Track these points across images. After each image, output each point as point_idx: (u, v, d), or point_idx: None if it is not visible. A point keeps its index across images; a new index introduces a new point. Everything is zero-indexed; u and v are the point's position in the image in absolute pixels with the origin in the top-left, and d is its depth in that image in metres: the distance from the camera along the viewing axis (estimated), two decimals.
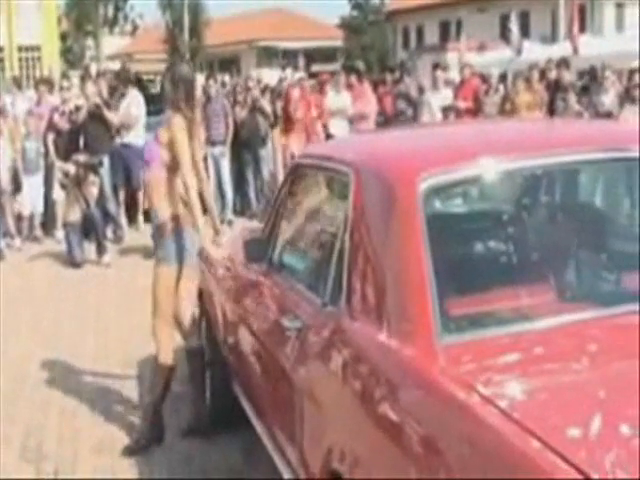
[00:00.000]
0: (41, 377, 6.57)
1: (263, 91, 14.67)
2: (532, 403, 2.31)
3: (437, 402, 2.42)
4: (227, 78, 16.07)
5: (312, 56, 45.16)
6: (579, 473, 1.95)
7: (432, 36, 45.25)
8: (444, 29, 44.66)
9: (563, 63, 13.69)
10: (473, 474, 2.16)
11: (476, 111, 13.39)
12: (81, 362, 6.83)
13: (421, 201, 2.91)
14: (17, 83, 14.95)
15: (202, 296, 5.61)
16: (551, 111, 13.01)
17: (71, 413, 5.85)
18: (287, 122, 11.90)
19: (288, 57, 45.24)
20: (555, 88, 13.37)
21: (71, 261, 10.59)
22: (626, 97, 12.58)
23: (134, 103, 12.23)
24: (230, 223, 12.30)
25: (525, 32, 33.26)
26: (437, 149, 3.36)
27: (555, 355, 2.59)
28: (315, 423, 3.13)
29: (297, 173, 4.29)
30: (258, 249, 4.28)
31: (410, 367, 2.61)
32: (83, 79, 13.28)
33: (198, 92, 12.98)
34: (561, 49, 20.80)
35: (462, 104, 13.46)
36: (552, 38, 32.50)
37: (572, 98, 12.93)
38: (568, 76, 13.40)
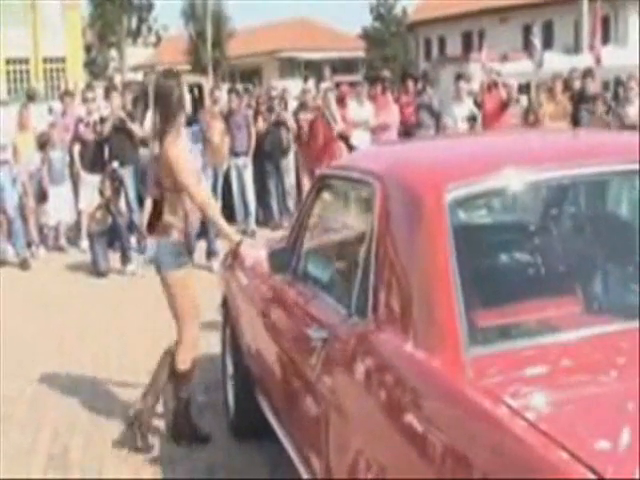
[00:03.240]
0: (66, 385, 6.60)
1: (286, 102, 14.69)
2: (560, 415, 2.30)
3: (464, 414, 2.41)
4: (250, 87, 16.12)
5: (334, 67, 45.28)
6: None
7: (454, 47, 45.18)
8: (466, 40, 44.60)
9: (588, 73, 13.62)
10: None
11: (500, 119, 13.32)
12: (107, 373, 6.87)
13: (448, 212, 2.91)
14: (30, 94, 15.03)
15: (226, 304, 5.63)
16: (575, 122, 12.96)
17: (97, 419, 5.89)
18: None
19: (310, 68, 45.35)
20: (579, 99, 13.31)
21: (96, 270, 10.67)
22: None
23: None
24: (253, 234, 12.34)
25: (548, 42, 33.22)
26: (463, 160, 3.36)
27: (582, 367, 2.58)
28: (341, 434, 3.13)
29: (322, 184, 4.30)
30: (282, 260, 4.29)
31: (437, 378, 2.62)
32: (108, 90, 13.36)
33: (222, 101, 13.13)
34: (584, 60, 20.70)
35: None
36: (575, 48, 32.32)
37: (600, 108, 12.85)
38: (593, 86, 13.32)
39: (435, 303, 2.77)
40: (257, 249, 5.47)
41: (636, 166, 3.20)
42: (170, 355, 5.41)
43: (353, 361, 3.12)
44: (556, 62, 20.83)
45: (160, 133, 5.22)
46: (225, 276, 5.74)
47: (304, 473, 3.89)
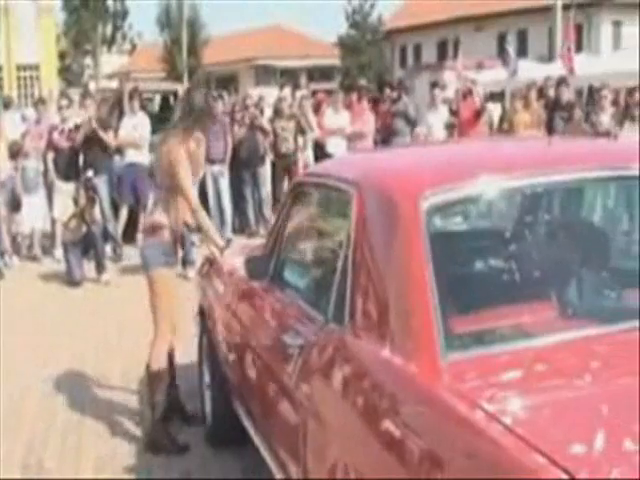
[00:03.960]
0: (43, 395, 6.56)
1: (262, 110, 14.68)
2: (536, 419, 2.32)
3: (441, 418, 2.43)
4: (225, 94, 16.04)
5: (310, 74, 45.28)
6: None
7: (430, 55, 45.36)
8: (442, 48, 44.78)
9: (563, 81, 13.70)
10: None
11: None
12: (82, 380, 6.85)
13: (424, 219, 2.93)
14: (6, 102, 14.95)
15: (202, 313, 5.62)
16: (549, 130, 13.04)
17: (74, 429, 5.85)
18: None
19: (286, 75, 45.33)
20: (554, 106, 13.39)
21: (70, 280, 10.59)
22: (625, 115, 12.60)
23: (141, 124, 12.27)
24: (229, 242, 12.23)
25: (522, 51, 33.40)
26: (439, 167, 3.37)
27: (558, 371, 2.60)
28: (319, 440, 3.13)
29: (298, 191, 4.31)
30: (259, 266, 4.30)
31: (414, 384, 2.63)
32: (84, 97, 13.34)
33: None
34: (557, 68, 20.82)
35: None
36: (549, 57, 32.54)
37: (577, 115, 12.92)
38: (567, 94, 13.40)
39: (412, 309, 2.78)
40: (234, 256, 5.46)
41: (611, 173, 3.24)
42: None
43: (330, 368, 3.13)
44: (530, 70, 20.93)
45: (169, 133, 5.35)
46: (202, 284, 5.73)
47: (273, 466, 3.92)
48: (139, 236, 12.23)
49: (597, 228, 3.77)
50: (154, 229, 5.27)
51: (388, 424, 2.59)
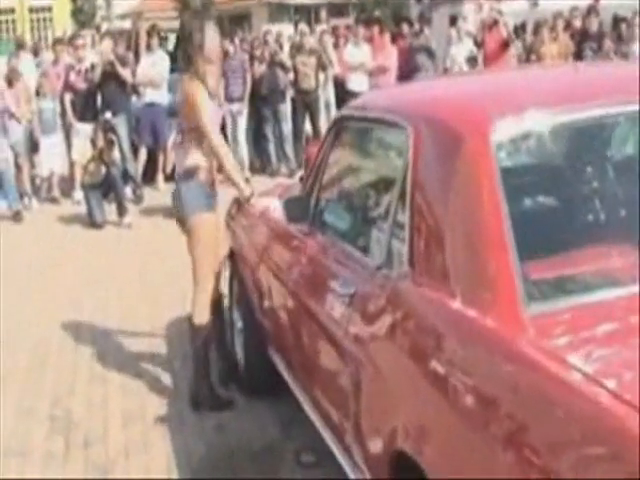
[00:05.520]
0: (66, 342, 6.37)
1: (281, 45, 14.28)
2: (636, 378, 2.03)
3: (533, 380, 2.12)
4: (239, 33, 15.63)
5: (325, 10, 44.46)
6: None
7: None
8: None
9: (592, 11, 13.24)
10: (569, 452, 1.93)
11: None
12: (106, 324, 6.64)
13: (494, 153, 2.61)
14: (20, 43, 14.65)
15: (233, 257, 5.35)
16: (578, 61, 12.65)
17: (100, 379, 5.64)
18: None
19: (300, 12, 44.58)
20: (582, 37, 12.96)
21: (91, 222, 10.39)
22: None
23: (160, 62, 11.97)
24: (247, 181, 11.96)
25: None
26: (504, 96, 3.04)
27: None
28: (376, 399, 2.85)
29: (341, 125, 3.97)
30: (299, 208, 4.00)
31: (496, 340, 2.32)
32: (100, 38, 13.06)
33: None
34: None
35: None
36: None
37: (607, 44, 12.50)
38: (596, 24, 12.96)
39: (486, 254, 2.46)
40: (266, 197, 5.18)
41: None
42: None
43: (391, 321, 2.82)
44: (551, 0, 20.41)
45: (182, 73, 5.03)
46: (232, 226, 5.44)
47: (323, 430, 3.66)
48: (159, 177, 12.02)
49: None
50: (189, 172, 4.93)
51: (463, 385, 2.31)
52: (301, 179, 4.83)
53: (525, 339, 2.26)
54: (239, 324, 5.26)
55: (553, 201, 2.93)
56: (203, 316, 5.00)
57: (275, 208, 4.49)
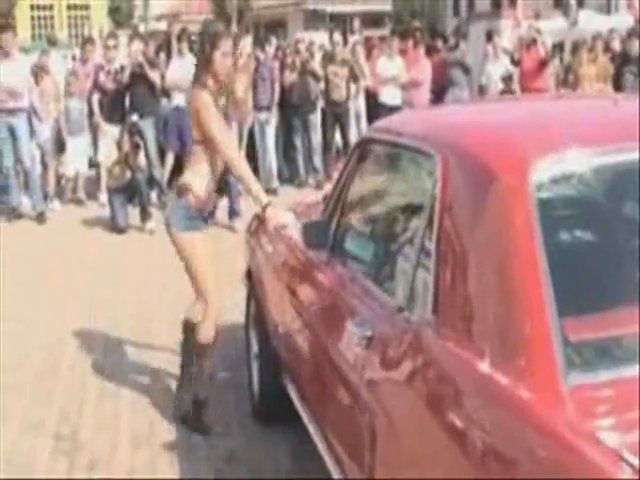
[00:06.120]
0: (80, 348, 6.23)
1: (312, 54, 14.04)
2: None
3: (576, 468, 1.81)
4: (274, 40, 15.36)
5: (360, 20, 44.32)
6: None
7: (483, 3, 44.13)
8: None
9: (633, 33, 12.95)
10: None
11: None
12: (121, 333, 6.49)
13: (533, 195, 2.35)
14: (52, 40, 14.54)
15: (250, 275, 5.14)
16: (617, 85, 12.36)
17: (111, 394, 5.46)
18: None
19: (336, 21, 44.45)
20: (622, 60, 12.66)
21: (114, 226, 10.24)
22: None
23: (189, 66, 11.79)
24: (275, 191, 11.78)
25: (580, 1, 32.27)
26: (543, 131, 2.75)
27: None
28: (389, 451, 2.63)
29: (365, 149, 3.74)
30: (318, 234, 3.76)
31: (531, 418, 2.01)
32: (132, 39, 12.87)
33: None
34: (621, 19, 19.95)
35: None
36: (608, 8, 31.48)
37: None
38: (637, 47, 12.65)
39: (521, 310, 2.19)
40: (286, 214, 4.93)
41: None
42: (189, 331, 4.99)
43: (408, 371, 2.58)
44: (590, 21, 20.13)
45: (193, 81, 4.80)
46: (251, 243, 5.23)
47: (333, 471, 3.42)
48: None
49: None
50: (180, 189, 4.75)
51: (495, 462, 2.02)
52: (324, 198, 4.59)
53: (563, 419, 1.97)
54: (255, 348, 5.06)
55: (598, 250, 2.62)
56: (209, 338, 4.88)
57: (293, 227, 4.29)
